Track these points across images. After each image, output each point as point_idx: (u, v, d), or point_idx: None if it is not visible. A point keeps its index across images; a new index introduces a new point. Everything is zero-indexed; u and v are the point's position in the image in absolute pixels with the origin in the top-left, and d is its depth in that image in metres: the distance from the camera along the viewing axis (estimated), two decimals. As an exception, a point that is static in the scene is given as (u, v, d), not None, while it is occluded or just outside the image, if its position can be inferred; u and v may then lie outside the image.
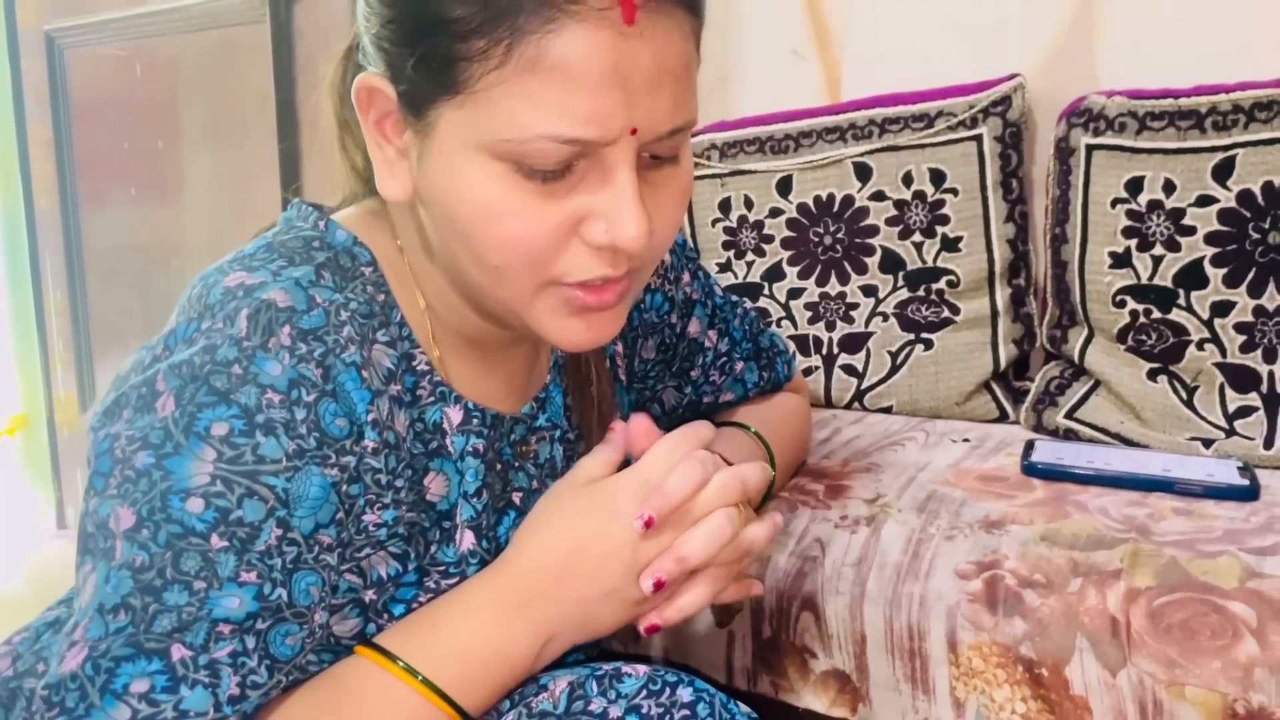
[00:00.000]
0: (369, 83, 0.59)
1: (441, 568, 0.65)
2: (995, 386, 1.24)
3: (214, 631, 0.52)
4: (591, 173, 0.56)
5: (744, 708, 0.62)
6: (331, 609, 0.61)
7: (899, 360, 1.27)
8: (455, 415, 0.66)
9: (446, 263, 0.63)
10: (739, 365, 0.93)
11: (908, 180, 1.25)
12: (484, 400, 0.68)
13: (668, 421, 0.95)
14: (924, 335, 1.26)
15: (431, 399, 0.65)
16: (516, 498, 0.71)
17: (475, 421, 0.66)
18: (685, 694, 0.60)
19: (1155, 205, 1.09)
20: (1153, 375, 1.10)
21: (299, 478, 0.55)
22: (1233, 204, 1.05)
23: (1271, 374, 1.04)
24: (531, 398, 0.73)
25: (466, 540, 0.66)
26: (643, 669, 0.61)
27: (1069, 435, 1.14)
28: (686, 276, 0.87)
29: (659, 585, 0.61)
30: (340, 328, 0.59)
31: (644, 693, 0.60)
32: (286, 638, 0.55)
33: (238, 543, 0.53)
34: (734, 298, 0.93)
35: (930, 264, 1.25)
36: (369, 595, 0.62)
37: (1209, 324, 1.07)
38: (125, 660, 0.51)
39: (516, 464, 0.71)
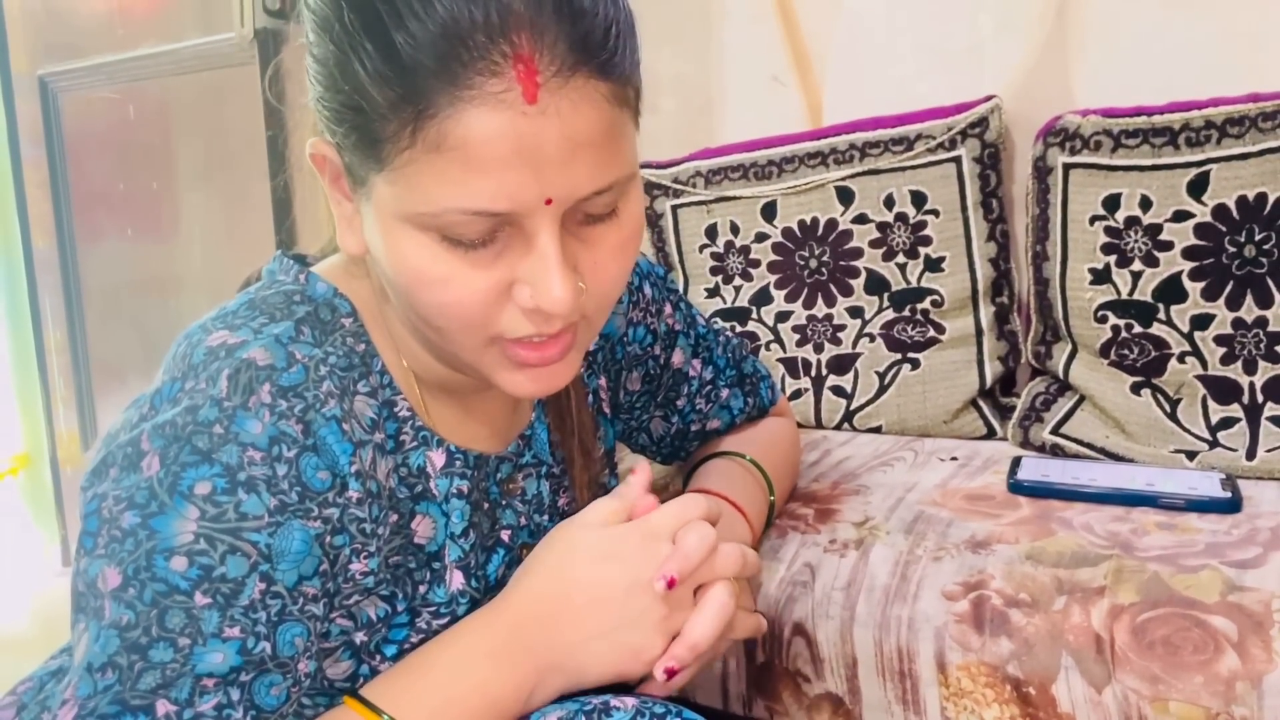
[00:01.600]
0: (319, 149, 0.60)
1: (432, 608, 0.66)
2: (982, 404, 1.26)
3: (198, 686, 0.53)
4: (516, 239, 0.56)
5: None
6: (323, 653, 0.62)
7: (887, 380, 1.28)
8: (438, 458, 0.67)
9: (403, 316, 0.65)
10: (724, 392, 0.94)
11: (889, 203, 1.26)
12: (466, 442, 0.69)
13: (656, 451, 0.97)
14: (910, 355, 1.27)
15: (414, 444, 0.66)
16: (505, 535, 0.72)
17: (458, 463, 0.68)
18: None
19: (1133, 221, 1.10)
20: (1136, 389, 1.12)
21: (281, 532, 0.56)
22: (1208, 219, 1.06)
23: (1252, 385, 1.06)
24: (515, 436, 0.74)
25: (456, 580, 0.67)
26: (631, 702, 0.62)
27: (1056, 451, 1.15)
28: (668, 308, 0.88)
29: (671, 673, 0.63)
30: (320, 383, 0.60)
31: None
32: (271, 688, 0.56)
33: (221, 599, 0.54)
34: (716, 325, 0.95)
35: (914, 284, 1.27)
36: (360, 637, 0.63)
37: (1189, 337, 1.08)
38: (112, 718, 0.52)
39: (504, 502, 0.73)
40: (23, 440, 2.52)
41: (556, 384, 0.63)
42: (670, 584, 0.62)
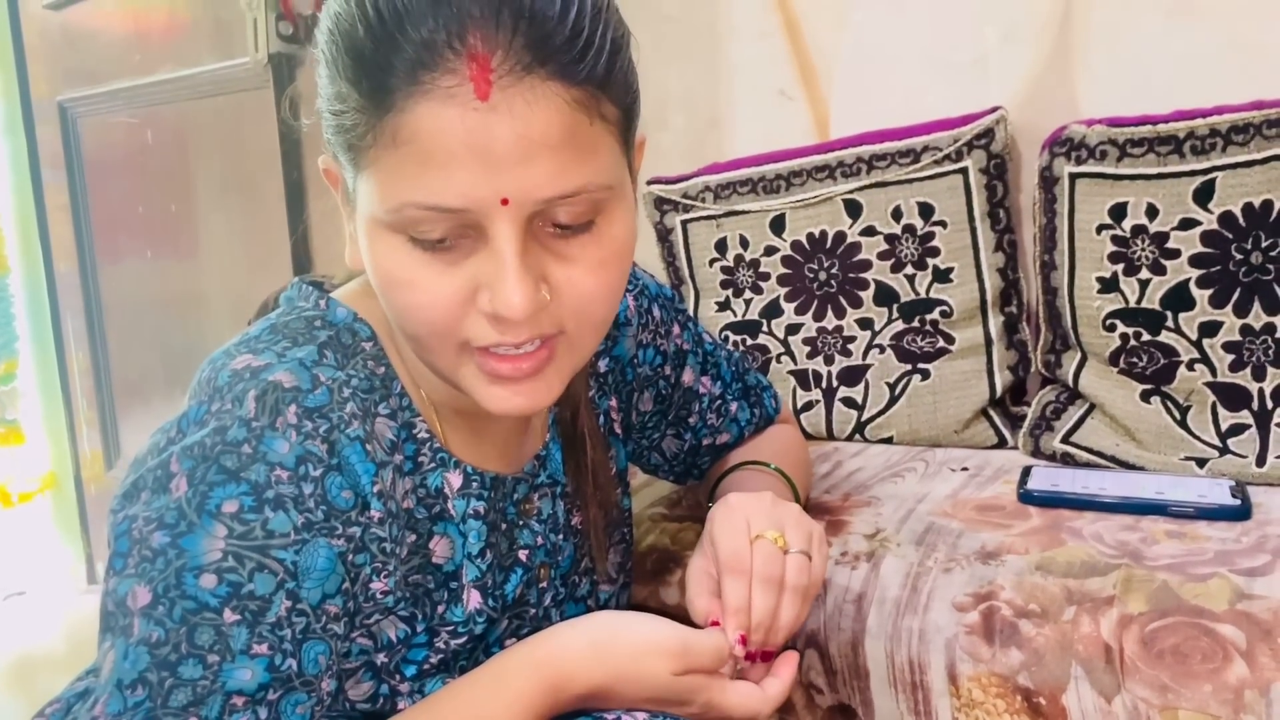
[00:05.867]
0: (325, 163, 0.64)
1: (450, 627, 0.68)
2: (993, 413, 1.27)
3: (228, 704, 0.55)
4: (480, 244, 0.57)
5: None
6: (345, 673, 0.64)
7: (897, 391, 1.29)
8: (455, 480, 0.69)
9: (400, 333, 0.66)
10: (733, 406, 0.95)
11: (897, 215, 1.27)
12: (481, 463, 0.71)
13: (669, 470, 0.98)
14: (920, 365, 1.28)
15: (432, 465, 0.68)
16: (523, 555, 0.73)
17: (475, 485, 0.69)
18: None
19: (1139, 230, 1.11)
20: (1146, 396, 1.12)
21: (307, 550, 0.58)
22: (1215, 226, 1.07)
23: (1261, 391, 1.06)
24: (529, 457, 0.76)
25: (473, 600, 0.69)
26: (642, 717, 0.63)
27: (1066, 459, 1.16)
28: (676, 329, 0.90)
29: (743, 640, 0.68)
30: (343, 404, 0.62)
31: None
32: (297, 707, 0.57)
33: (249, 615, 0.55)
34: (719, 340, 0.97)
35: (923, 295, 1.27)
36: (380, 658, 0.65)
37: (1198, 344, 1.08)
38: None
39: (521, 522, 0.74)
40: (49, 460, 2.56)
41: (537, 402, 0.63)
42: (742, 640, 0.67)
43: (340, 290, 0.71)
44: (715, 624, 0.69)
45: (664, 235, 1.43)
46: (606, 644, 0.64)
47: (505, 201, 0.55)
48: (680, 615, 0.70)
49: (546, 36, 0.54)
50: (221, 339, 0.66)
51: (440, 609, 0.68)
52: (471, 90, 0.53)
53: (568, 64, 0.55)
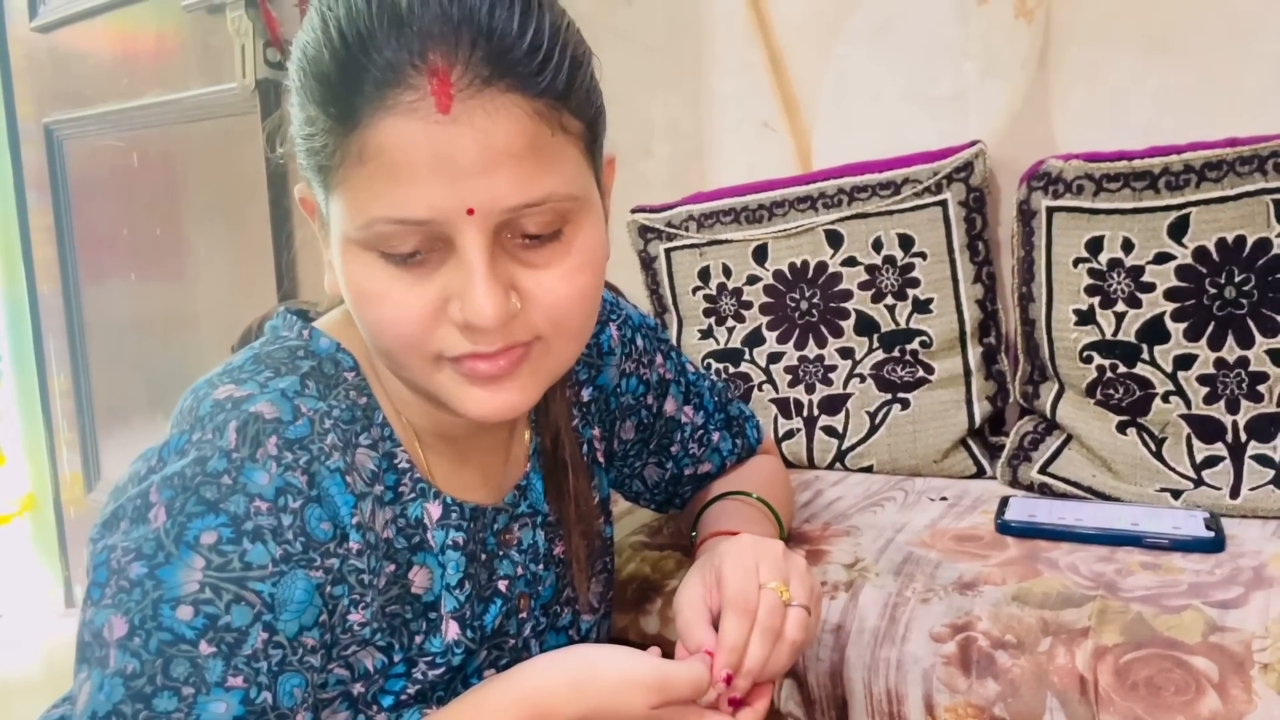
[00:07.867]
0: (301, 191, 0.65)
1: (429, 658, 0.68)
2: (972, 443, 1.28)
3: None
4: (449, 256, 0.59)
5: None
6: (321, 703, 0.64)
7: (877, 420, 1.30)
8: (435, 510, 0.69)
9: (377, 354, 0.66)
10: (715, 435, 0.96)
11: (878, 246, 1.29)
12: (462, 494, 0.71)
13: (650, 498, 0.99)
14: (900, 395, 1.29)
15: (412, 495, 0.68)
16: (502, 585, 0.74)
17: (454, 515, 0.70)
18: None
19: (1115, 264, 1.12)
20: (1122, 428, 1.14)
21: (284, 582, 0.58)
22: (1189, 260, 1.09)
23: (1235, 424, 1.07)
24: (511, 487, 0.76)
25: (451, 630, 0.69)
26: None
27: (1044, 489, 1.17)
28: (659, 359, 0.90)
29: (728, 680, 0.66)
30: (324, 435, 0.62)
31: None
32: None
33: (225, 648, 0.56)
34: (702, 370, 0.97)
35: (903, 325, 1.29)
36: (357, 688, 0.65)
37: (1173, 377, 1.10)
38: None
39: (501, 553, 0.74)
40: (29, 482, 2.54)
41: (514, 405, 0.63)
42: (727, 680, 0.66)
43: (324, 320, 0.72)
44: (709, 654, 0.69)
45: (647, 263, 1.44)
46: (585, 679, 0.64)
47: (471, 211, 0.56)
48: (660, 644, 0.70)
49: (505, 51, 0.56)
50: (204, 363, 0.67)
51: (418, 639, 0.68)
52: (433, 104, 0.55)
53: (526, 76, 0.57)
